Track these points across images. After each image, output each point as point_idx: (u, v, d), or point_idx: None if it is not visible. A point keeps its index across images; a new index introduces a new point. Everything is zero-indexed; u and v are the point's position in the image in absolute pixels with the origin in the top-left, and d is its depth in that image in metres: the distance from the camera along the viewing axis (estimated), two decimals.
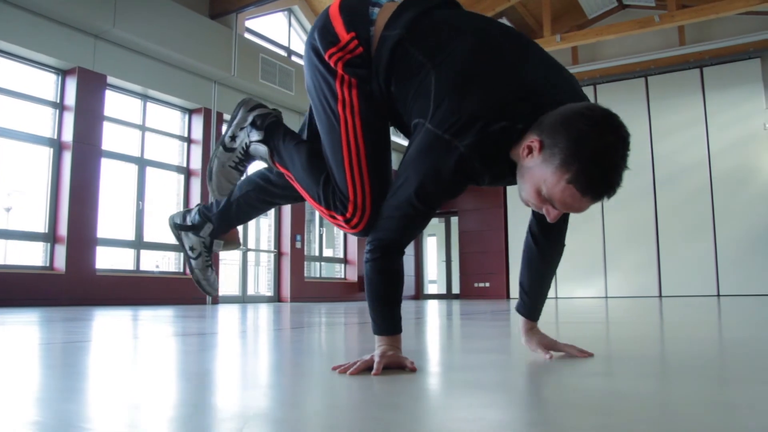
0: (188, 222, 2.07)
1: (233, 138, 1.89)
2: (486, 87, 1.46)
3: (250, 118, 1.88)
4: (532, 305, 1.87)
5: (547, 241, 1.78)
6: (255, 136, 1.84)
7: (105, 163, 8.41)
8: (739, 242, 11.72)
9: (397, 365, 1.54)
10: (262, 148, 1.83)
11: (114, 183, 8.83)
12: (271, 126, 1.86)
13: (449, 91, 1.47)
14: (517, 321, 1.94)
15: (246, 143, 1.86)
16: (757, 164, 11.81)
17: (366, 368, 1.51)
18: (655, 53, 12.62)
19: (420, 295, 15.53)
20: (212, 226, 2.03)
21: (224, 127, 1.95)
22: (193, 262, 2.07)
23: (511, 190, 12.94)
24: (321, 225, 13.03)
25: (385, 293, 1.59)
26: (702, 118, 12.34)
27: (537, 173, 1.40)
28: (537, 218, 1.76)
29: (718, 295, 11.46)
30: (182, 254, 1.93)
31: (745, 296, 10.52)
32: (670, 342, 2.54)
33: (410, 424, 0.98)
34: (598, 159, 1.34)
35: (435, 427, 0.98)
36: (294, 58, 12.15)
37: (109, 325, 3.81)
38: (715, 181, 12.07)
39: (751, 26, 12.16)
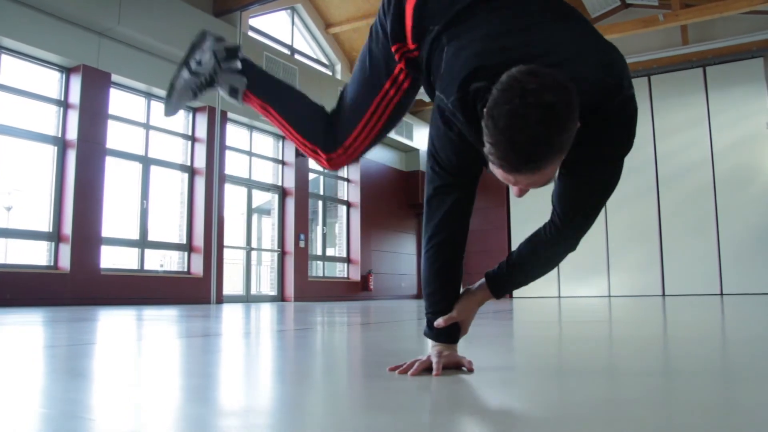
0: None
1: (200, 63, 1.90)
2: (474, 48, 1.42)
3: (221, 46, 1.90)
4: (506, 281, 1.65)
5: (557, 231, 1.59)
6: (231, 64, 1.87)
7: (109, 162, 8.43)
8: (741, 241, 11.71)
9: (455, 365, 1.55)
10: (239, 78, 1.87)
11: (118, 182, 8.85)
12: (247, 59, 1.91)
13: (450, 58, 1.46)
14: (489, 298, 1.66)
15: (214, 70, 1.88)
16: (759, 163, 11.79)
17: (425, 369, 1.51)
18: (657, 52, 12.60)
19: (422, 294, 15.52)
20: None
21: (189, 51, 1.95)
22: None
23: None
24: (324, 224, 13.04)
25: (437, 286, 1.61)
26: (705, 117, 12.33)
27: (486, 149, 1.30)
28: (556, 215, 1.59)
29: (721, 294, 11.45)
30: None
31: (748, 295, 10.50)
32: (674, 342, 2.54)
33: (412, 428, 0.99)
34: (501, 126, 1.21)
35: (433, 428, 0.99)
36: (297, 57, 12.17)
37: (114, 325, 3.83)
38: (717, 180, 12.06)
39: (754, 26, 12.13)
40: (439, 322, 1.57)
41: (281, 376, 1.63)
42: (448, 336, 1.59)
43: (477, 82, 1.35)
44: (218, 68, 1.88)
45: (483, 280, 1.65)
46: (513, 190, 1.36)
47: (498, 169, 1.27)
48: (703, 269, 11.96)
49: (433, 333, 1.60)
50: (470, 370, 1.53)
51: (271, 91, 1.91)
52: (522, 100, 1.19)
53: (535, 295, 12.47)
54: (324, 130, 1.83)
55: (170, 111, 2.02)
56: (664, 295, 12.02)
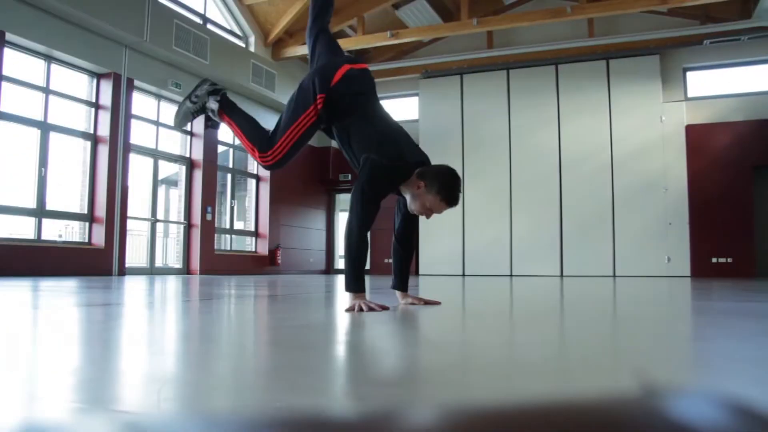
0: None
1: (197, 96, 3.14)
2: (401, 146, 2.95)
3: (211, 87, 3.13)
4: (404, 282, 3.25)
5: (407, 244, 3.24)
6: (213, 99, 3.10)
7: (4, 127, 8.00)
8: (634, 227, 12.45)
9: (376, 304, 2.67)
10: (214, 104, 3.09)
11: (13, 148, 8.42)
12: (224, 95, 3.15)
13: (382, 142, 2.92)
14: (392, 294, 3.32)
15: (204, 101, 3.11)
16: (653, 152, 12.52)
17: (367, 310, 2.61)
18: (565, 42, 13.10)
19: (331, 269, 15.64)
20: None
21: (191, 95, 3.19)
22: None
23: None
24: (233, 197, 12.87)
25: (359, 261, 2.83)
26: (606, 106, 12.94)
27: (423, 198, 2.87)
28: (400, 233, 3.19)
29: (614, 276, 12.15)
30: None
31: (638, 277, 11.20)
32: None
33: (315, 384, 1.07)
34: (452, 189, 2.87)
35: (340, 386, 1.07)
36: (210, 27, 11.88)
37: (5, 296, 3.71)
38: (615, 167, 12.72)
39: (652, 24, 12.84)
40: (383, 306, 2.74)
41: (184, 342, 1.67)
42: (363, 288, 2.76)
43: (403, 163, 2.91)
44: (206, 99, 3.12)
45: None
46: (428, 216, 2.95)
47: (440, 206, 2.88)
48: (599, 252, 12.63)
49: (361, 287, 2.74)
50: (385, 308, 2.68)
51: (235, 113, 3.11)
52: (457, 180, 2.92)
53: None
54: (262, 138, 3.01)
55: (177, 126, 3.28)
56: (562, 275, 12.63)
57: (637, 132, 12.69)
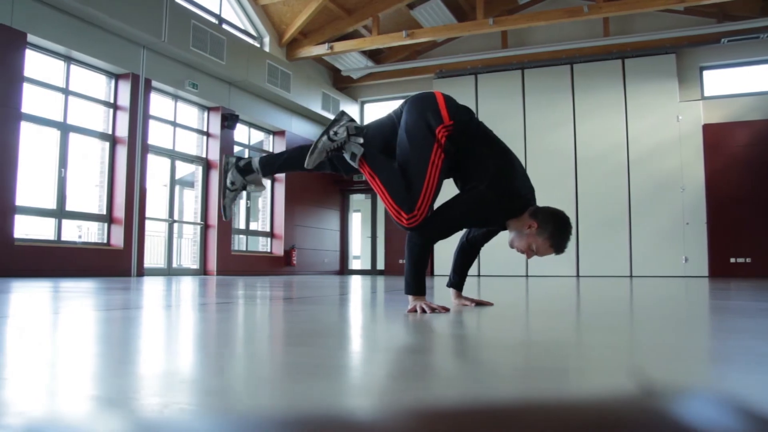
0: (241, 165, 2.95)
1: (336, 134, 2.73)
2: (516, 180, 2.78)
3: (352, 125, 2.75)
4: (462, 282, 3.20)
5: (478, 249, 3.18)
6: (356, 139, 2.73)
7: (25, 128, 8.01)
8: (650, 227, 12.39)
9: (439, 308, 2.65)
10: (357, 149, 2.72)
11: (34, 148, 8.43)
12: (366, 138, 2.76)
13: (498, 174, 2.72)
14: (448, 293, 3.34)
15: (344, 140, 2.72)
16: (669, 152, 12.45)
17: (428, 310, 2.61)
18: (581, 42, 13.05)
19: (344, 270, 15.63)
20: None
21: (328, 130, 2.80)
22: (228, 193, 2.96)
23: None
24: (248, 198, 12.86)
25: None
26: (622, 105, 12.88)
27: (532, 239, 2.75)
28: (478, 239, 3.12)
29: (631, 276, 12.09)
30: (220, 186, 3.03)
31: (655, 277, 11.14)
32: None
33: (330, 390, 1.05)
34: (564, 237, 2.75)
35: (356, 392, 1.06)
36: (225, 27, 11.87)
37: (28, 298, 3.70)
38: (632, 166, 12.66)
39: (669, 23, 12.78)
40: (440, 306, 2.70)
41: (203, 346, 1.65)
42: (424, 290, 2.72)
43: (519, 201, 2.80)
44: (347, 140, 2.73)
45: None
46: (528, 256, 2.84)
47: (547, 251, 2.78)
48: (616, 252, 12.57)
49: (422, 289, 2.70)
50: (446, 310, 2.66)
51: (379, 163, 2.72)
52: (569, 226, 2.79)
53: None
54: (405, 194, 2.64)
55: (311, 164, 2.77)
56: (578, 276, 12.57)
57: (654, 131, 12.64)
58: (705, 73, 12.90)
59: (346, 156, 2.76)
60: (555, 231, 2.71)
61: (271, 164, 2.96)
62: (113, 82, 9.51)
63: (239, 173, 2.93)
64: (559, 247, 2.74)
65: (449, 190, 2.85)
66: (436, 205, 2.75)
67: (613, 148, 12.85)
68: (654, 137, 12.62)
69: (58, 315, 2.56)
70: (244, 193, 3.02)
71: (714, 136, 12.32)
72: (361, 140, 2.73)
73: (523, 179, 2.81)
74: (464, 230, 3.13)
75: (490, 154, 2.75)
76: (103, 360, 1.41)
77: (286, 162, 2.98)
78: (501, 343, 1.79)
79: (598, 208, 12.79)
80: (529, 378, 1.21)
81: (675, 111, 12.52)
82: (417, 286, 2.70)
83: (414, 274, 2.71)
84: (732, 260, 12.02)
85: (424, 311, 2.60)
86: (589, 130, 13.06)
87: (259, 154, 2.94)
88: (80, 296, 3.84)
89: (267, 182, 2.64)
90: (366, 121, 15.25)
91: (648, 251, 12.42)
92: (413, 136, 2.69)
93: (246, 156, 2.95)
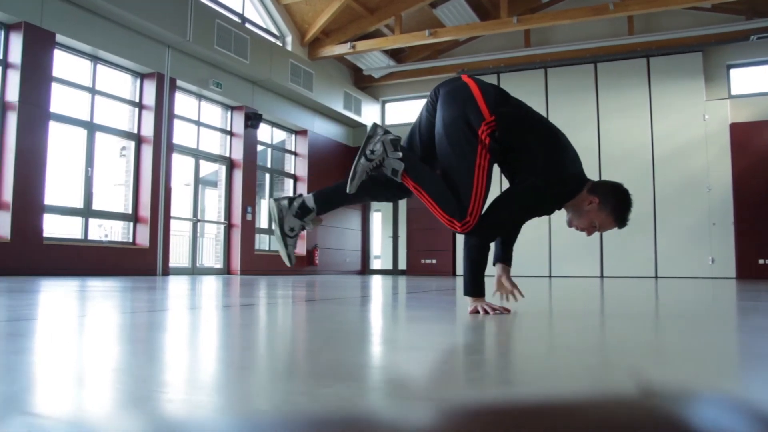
0: (297, 207, 2.76)
1: (373, 152, 2.62)
2: (566, 162, 2.65)
3: (388, 138, 2.63)
4: (508, 256, 2.96)
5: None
6: (394, 154, 2.62)
7: (53, 127, 8.04)
8: (676, 227, 12.24)
9: (500, 309, 2.62)
10: (398, 164, 2.62)
11: (61, 147, 8.47)
12: (405, 149, 2.68)
13: (548, 163, 2.59)
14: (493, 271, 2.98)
15: (382, 157, 2.62)
16: (695, 152, 12.29)
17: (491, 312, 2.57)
18: (604, 41, 12.91)
19: (366, 270, 15.59)
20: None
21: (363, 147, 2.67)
22: (290, 240, 2.77)
23: None
24: (270, 197, 12.85)
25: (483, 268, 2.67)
26: (647, 105, 12.73)
27: (593, 215, 2.63)
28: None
29: (656, 277, 11.95)
30: (278, 233, 2.76)
31: (681, 278, 11.00)
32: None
33: (356, 391, 1.04)
34: (627, 209, 2.64)
35: (382, 393, 1.05)
36: (248, 26, 11.88)
37: (57, 298, 3.68)
38: (657, 166, 12.51)
39: (695, 21, 12.61)
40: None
41: (233, 346, 1.61)
42: (483, 291, 2.68)
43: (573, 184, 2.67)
44: (385, 156, 2.62)
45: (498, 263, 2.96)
46: (589, 233, 2.71)
47: (610, 225, 2.66)
48: (641, 252, 12.44)
49: (482, 290, 2.66)
50: (507, 310, 2.64)
51: (421, 174, 2.63)
52: (629, 200, 2.65)
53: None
54: (454, 202, 2.57)
55: (353, 188, 2.64)
56: (602, 276, 12.45)
57: (679, 131, 12.48)
58: (732, 71, 12.72)
59: (387, 173, 2.63)
60: (617, 204, 2.61)
61: (329, 201, 2.80)
62: (139, 81, 9.53)
63: (296, 218, 2.76)
64: (622, 220, 2.64)
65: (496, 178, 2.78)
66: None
67: (638, 147, 12.71)
68: (679, 136, 12.46)
69: (84, 317, 2.54)
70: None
71: (741, 135, 12.14)
72: (400, 154, 2.62)
73: (572, 156, 2.70)
74: None
75: (535, 139, 2.62)
76: (130, 359, 1.41)
77: (337, 193, 2.80)
78: (541, 346, 1.74)
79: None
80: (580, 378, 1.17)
81: (701, 110, 12.35)
82: (476, 288, 2.65)
83: (473, 275, 2.65)
84: (761, 261, 11.83)
85: (486, 312, 2.58)
86: (613, 129, 12.93)
87: (304, 194, 2.79)
88: (110, 295, 3.83)
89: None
90: (387, 122, 15.28)
91: (673, 252, 12.27)
92: (454, 140, 2.59)
93: (293, 195, 2.79)
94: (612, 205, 2.60)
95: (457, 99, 2.63)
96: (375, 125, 2.70)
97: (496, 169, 2.70)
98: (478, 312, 2.61)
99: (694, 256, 12.11)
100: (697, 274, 11.94)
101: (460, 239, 14.40)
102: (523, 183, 2.60)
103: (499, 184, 3.29)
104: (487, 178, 2.58)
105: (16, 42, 7.65)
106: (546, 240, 13.07)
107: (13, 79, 7.61)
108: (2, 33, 7.70)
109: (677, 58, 12.67)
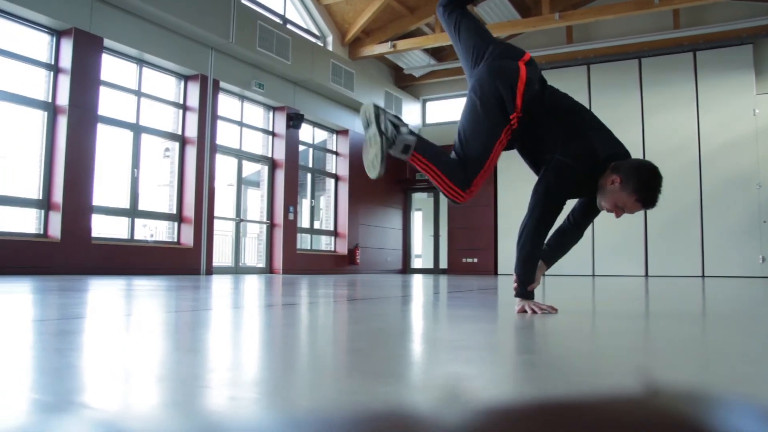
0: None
1: (386, 130, 2.56)
2: (590, 137, 2.66)
3: (392, 117, 2.61)
4: (552, 257, 2.87)
5: (580, 229, 2.89)
6: (406, 129, 2.59)
7: (100, 129, 8.24)
8: (724, 225, 11.93)
9: (548, 309, 2.63)
10: (411, 138, 2.57)
11: (109, 149, 8.67)
12: (412, 128, 2.66)
13: (567, 138, 2.63)
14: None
15: (395, 134, 2.56)
16: (745, 151, 11.95)
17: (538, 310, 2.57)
18: (649, 35, 12.66)
19: (407, 269, 15.59)
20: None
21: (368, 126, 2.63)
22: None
23: (501, 169, 12.92)
24: (312, 197, 12.96)
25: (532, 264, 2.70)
26: (693, 101, 12.43)
27: (616, 195, 2.56)
28: (578, 215, 2.85)
29: (703, 276, 11.67)
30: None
31: (729, 278, 10.72)
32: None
33: (394, 389, 1.05)
34: (651, 189, 2.54)
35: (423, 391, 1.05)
36: (289, 27, 11.97)
37: (106, 297, 3.76)
38: (703, 162, 12.21)
39: (744, 12, 12.24)
40: (533, 287, 2.68)
41: (278, 344, 1.61)
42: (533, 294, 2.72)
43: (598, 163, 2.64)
44: (396, 133, 2.57)
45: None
46: (617, 215, 2.64)
47: (634, 206, 2.57)
48: (687, 250, 12.16)
49: (530, 293, 2.68)
50: (554, 310, 2.63)
51: (430, 150, 2.62)
52: (658, 178, 2.58)
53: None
54: (459, 174, 2.59)
55: (379, 174, 2.60)
56: (647, 275, 12.21)
57: (728, 126, 12.15)
58: None
59: (395, 152, 2.58)
60: (640, 183, 2.50)
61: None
62: (183, 83, 9.70)
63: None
64: (647, 200, 2.53)
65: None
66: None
67: (684, 143, 12.41)
68: (728, 132, 12.13)
69: (131, 315, 2.59)
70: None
71: None
72: (408, 128, 2.60)
73: (602, 138, 2.66)
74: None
75: (554, 120, 2.65)
76: (176, 356, 1.44)
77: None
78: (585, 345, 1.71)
79: (667, 205, 12.31)
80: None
81: (751, 104, 12.00)
82: (526, 292, 2.68)
83: (523, 273, 2.66)
84: None
85: (534, 312, 2.57)
86: (658, 125, 12.66)
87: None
88: (156, 294, 3.90)
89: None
90: (428, 121, 15.23)
91: (721, 250, 11.95)
92: (489, 109, 2.60)
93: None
94: (634, 184, 2.49)
95: (502, 79, 2.60)
96: (375, 105, 2.62)
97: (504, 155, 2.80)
98: (525, 311, 2.60)
99: (743, 254, 11.78)
100: (746, 273, 11.61)
101: (501, 238, 14.45)
102: (548, 163, 2.63)
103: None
104: (497, 158, 2.65)
105: (67, 47, 7.87)
106: (589, 238, 12.86)
107: (64, 84, 7.83)
108: (54, 39, 7.92)
109: (726, 52, 12.33)
